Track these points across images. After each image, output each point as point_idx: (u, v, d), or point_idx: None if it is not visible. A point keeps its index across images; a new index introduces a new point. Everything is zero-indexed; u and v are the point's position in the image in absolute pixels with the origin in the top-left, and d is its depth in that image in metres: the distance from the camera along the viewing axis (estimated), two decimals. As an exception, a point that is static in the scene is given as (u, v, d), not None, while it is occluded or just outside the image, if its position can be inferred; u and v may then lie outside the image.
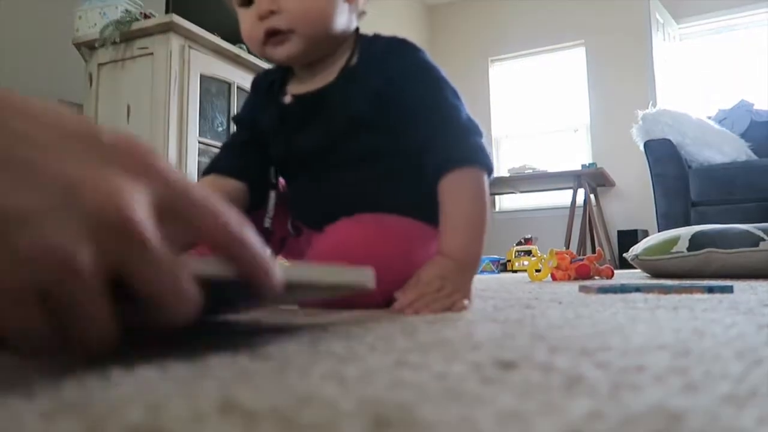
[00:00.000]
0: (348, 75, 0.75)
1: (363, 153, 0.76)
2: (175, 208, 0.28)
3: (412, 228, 0.75)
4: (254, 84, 0.87)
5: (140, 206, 0.26)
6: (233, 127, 0.88)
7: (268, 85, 0.83)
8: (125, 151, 0.27)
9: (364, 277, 0.44)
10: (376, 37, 0.78)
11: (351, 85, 0.74)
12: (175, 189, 0.28)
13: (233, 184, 0.78)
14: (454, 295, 0.63)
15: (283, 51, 0.72)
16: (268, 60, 0.76)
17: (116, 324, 0.27)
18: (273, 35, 0.71)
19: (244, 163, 0.80)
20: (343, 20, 0.74)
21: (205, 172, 0.81)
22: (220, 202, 0.30)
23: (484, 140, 0.72)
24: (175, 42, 2.18)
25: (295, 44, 0.71)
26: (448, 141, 0.70)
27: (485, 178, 0.70)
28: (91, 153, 0.27)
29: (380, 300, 0.65)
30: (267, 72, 0.87)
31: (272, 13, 0.70)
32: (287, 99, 0.79)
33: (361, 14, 0.79)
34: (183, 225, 0.29)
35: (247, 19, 0.73)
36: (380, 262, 0.52)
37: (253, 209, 0.81)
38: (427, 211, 0.72)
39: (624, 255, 2.01)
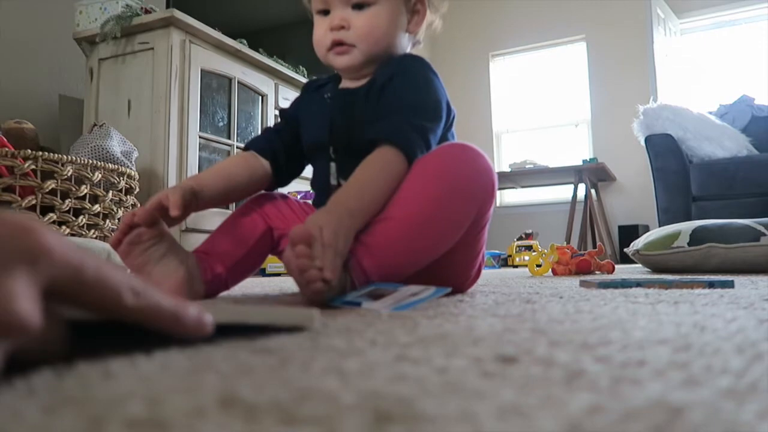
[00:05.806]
0: (372, 80, 0.87)
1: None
2: (67, 288, 0.29)
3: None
4: (306, 86, 1.01)
5: (22, 299, 0.25)
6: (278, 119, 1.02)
7: (317, 87, 0.96)
8: (8, 238, 0.27)
9: (305, 319, 0.43)
10: (402, 55, 0.89)
11: (371, 86, 0.86)
12: (66, 271, 0.28)
13: (262, 162, 0.92)
14: (327, 250, 0.63)
15: (343, 60, 0.85)
16: (328, 65, 0.89)
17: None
18: (338, 45, 0.85)
19: (274, 147, 0.94)
20: (402, 46, 0.88)
21: (245, 147, 0.96)
22: (114, 274, 0.31)
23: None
24: (176, 37, 2.18)
25: (354, 57, 0.85)
26: (391, 120, 0.78)
27: (402, 158, 0.77)
28: None
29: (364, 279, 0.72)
30: (319, 78, 1.00)
31: (342, 27, 0.84)
32: (328, 95, 0.92)
33: (416, 44, 0.92)
34: (78, 302, 0.30)
35: (320, 27, 0.87)
36: None
37: (277, 186, 0.95)
38: None
39: (625, 250, 2.01)
